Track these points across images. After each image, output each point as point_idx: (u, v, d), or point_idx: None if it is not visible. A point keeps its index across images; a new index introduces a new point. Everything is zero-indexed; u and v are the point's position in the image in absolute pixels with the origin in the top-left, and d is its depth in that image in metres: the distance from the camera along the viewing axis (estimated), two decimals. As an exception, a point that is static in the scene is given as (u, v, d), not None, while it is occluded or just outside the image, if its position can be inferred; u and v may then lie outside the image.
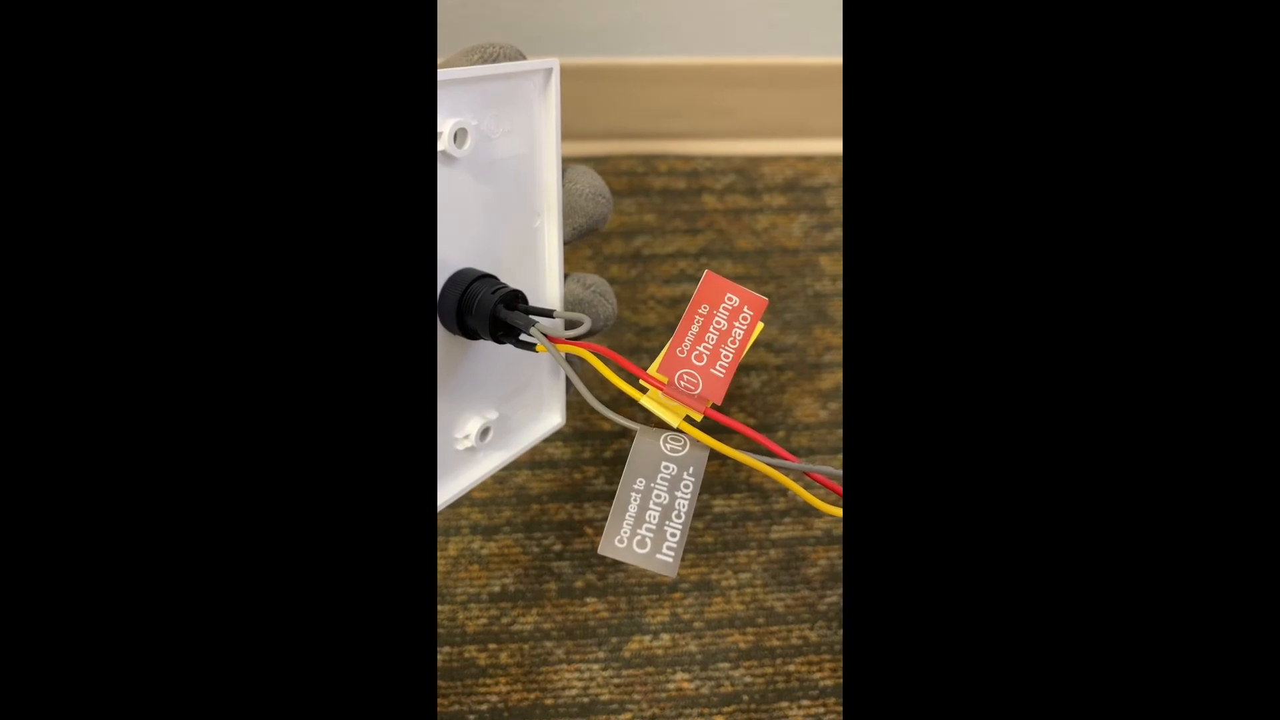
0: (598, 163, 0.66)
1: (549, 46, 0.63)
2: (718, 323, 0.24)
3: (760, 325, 0.25)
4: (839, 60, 0.65)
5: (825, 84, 0.66)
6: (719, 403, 0.24)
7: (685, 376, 0.24)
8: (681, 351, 0.24)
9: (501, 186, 0.27)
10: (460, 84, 0.24)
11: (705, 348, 0.24)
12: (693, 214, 0.64)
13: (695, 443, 0.24)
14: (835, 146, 0.68)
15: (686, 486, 0.23)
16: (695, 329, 0.24)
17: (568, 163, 0.29)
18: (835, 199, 0.65)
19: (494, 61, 0.26)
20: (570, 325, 0.25)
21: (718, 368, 0.24)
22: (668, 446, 0.24)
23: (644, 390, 0.24)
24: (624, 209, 0.64)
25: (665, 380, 0.24)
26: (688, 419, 0.24)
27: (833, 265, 0.62)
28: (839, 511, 0.23)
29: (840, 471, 0.22)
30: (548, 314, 0.26)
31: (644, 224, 0.63)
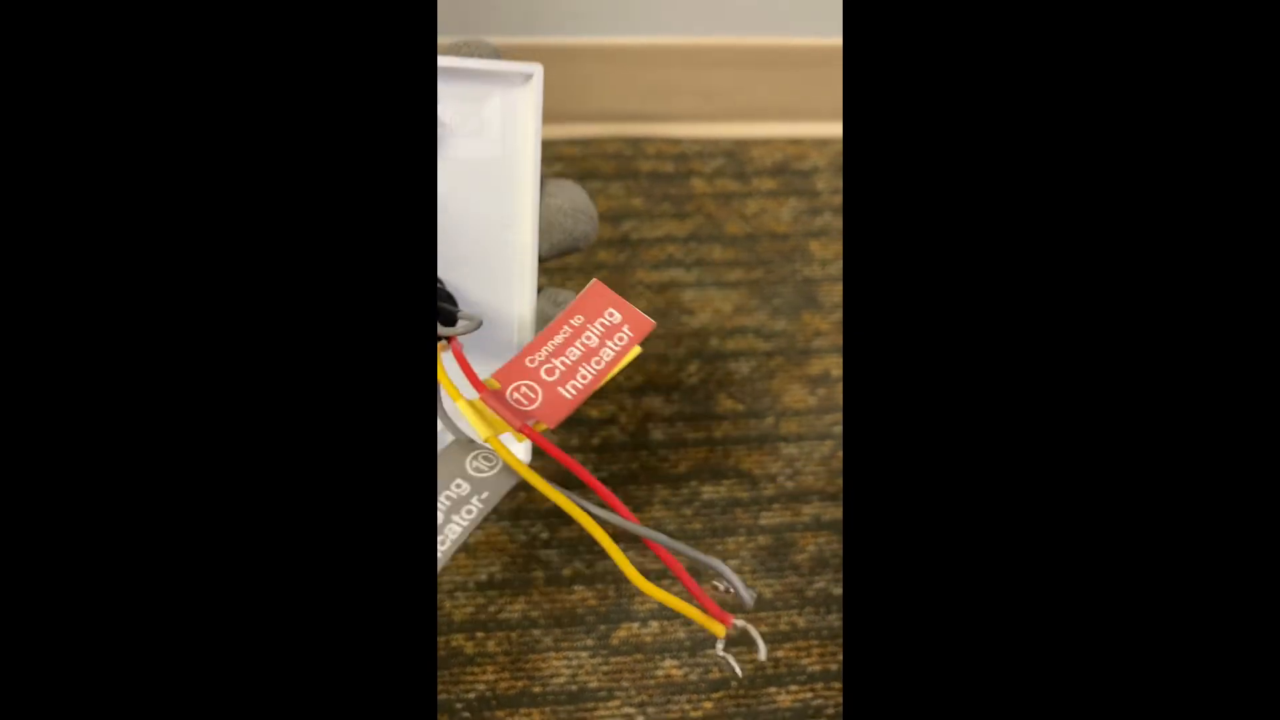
0: (584, 145, 0.65)
1: (533, 26, 0.62)
2: (587, 338, 0.21)
3: (637, 349, 0.21)
4: (829, 41, 0.65)
5: (815, 65, 0.65)
6: (552, 426, 0.21)
7: (521, 389, 0.21)
8: (532, 361, 0.21)
9: (465, 190, 0.26)
10: None
11: (562, 362, 0.21)
12: (681, 198, 0.63)
13: (505, 467, 0.20)
14: (825, 129, 0.67)
15: (468, 513, 0.20)
16: (558, 340, 0.21)
17: (554, 176, 0.28)
18: (825, 183, 0.65)
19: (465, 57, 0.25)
20: (468, 326, 0.23)
21: (568, 388, 0.21)
22: (472, 465, 0.21)
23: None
24: (611, 193, 0.63)
25: (498, 388, 0.21)
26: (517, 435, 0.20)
27: (822, 250, 0.61)
28: (713, 626, 0.20)
29: (695, 554, 0.19)
30: (470, 317, 0.24)
31: (631, 208, 0.63)
